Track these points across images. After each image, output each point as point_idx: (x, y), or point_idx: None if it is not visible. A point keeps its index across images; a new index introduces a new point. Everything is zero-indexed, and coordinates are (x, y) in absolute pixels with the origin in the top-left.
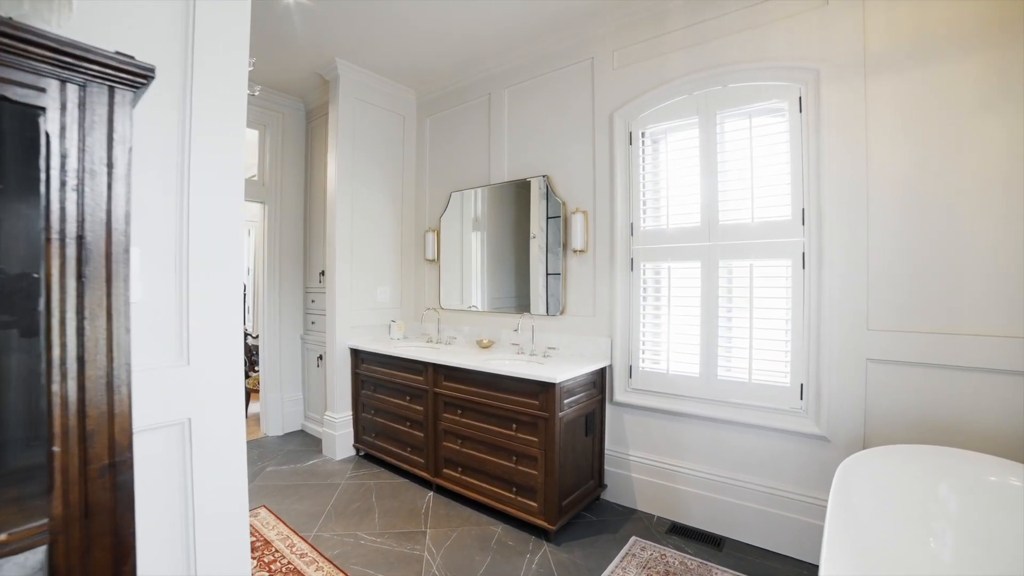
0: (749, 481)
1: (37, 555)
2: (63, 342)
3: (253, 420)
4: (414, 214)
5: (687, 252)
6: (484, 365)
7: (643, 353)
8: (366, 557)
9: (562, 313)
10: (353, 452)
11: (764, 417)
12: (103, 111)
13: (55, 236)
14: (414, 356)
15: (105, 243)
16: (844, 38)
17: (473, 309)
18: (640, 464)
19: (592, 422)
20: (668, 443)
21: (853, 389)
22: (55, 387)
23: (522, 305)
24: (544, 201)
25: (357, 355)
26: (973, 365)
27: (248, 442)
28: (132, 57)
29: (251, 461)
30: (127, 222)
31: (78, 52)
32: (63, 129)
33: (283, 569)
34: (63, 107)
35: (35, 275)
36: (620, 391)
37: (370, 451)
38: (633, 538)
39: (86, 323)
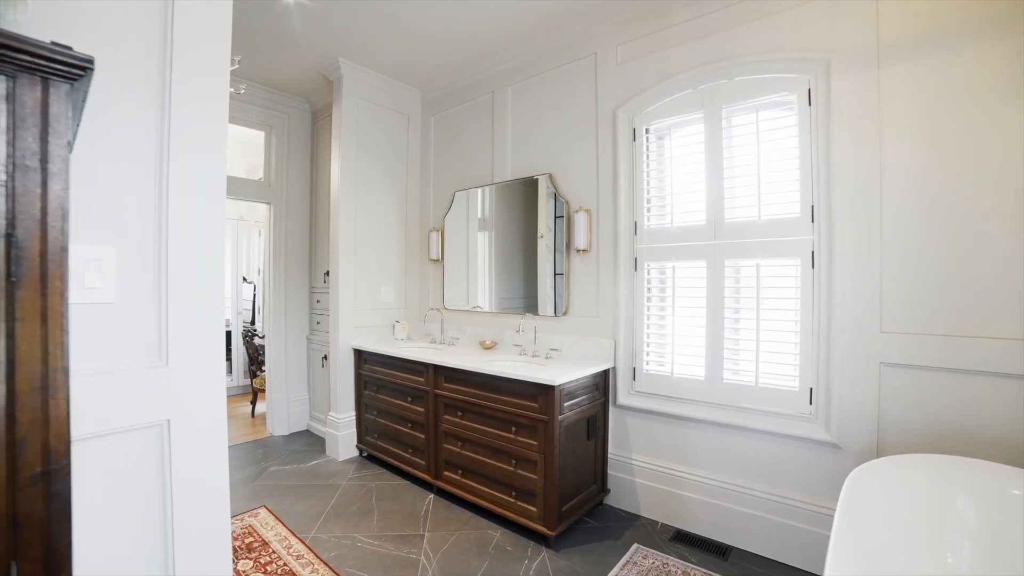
0: (756, 488)
1: None
2: None
3: (259, 419)
4: (418, 214)
5: (692, 251)
6: (484, 366)
7: (647, 355)
8: (362, 560)
9: (565, 314)
10: (356, 453)
11: (771, 422)
12: (35, 104)
13: None
14: (415, 357)
15: (39, 242)
16: (856, 27)
17: (477, 310)
18: (644, 469)
19: (594, 425)
20: (672, 448)
21: (866, 394)
22: None
23: (530, 306)
24: (552, 200)
25: (360, 355)
26: (995, 370)
27: (253, 442)
28: (69, 48)
29: (255, 460)
30: (64, 219)
31: (4, 41)
32: None
33: (278, 570)
34: None
35: None
36: (623, 394)
37: (373, 452)
38: (635, 545)
39: (16, 325)
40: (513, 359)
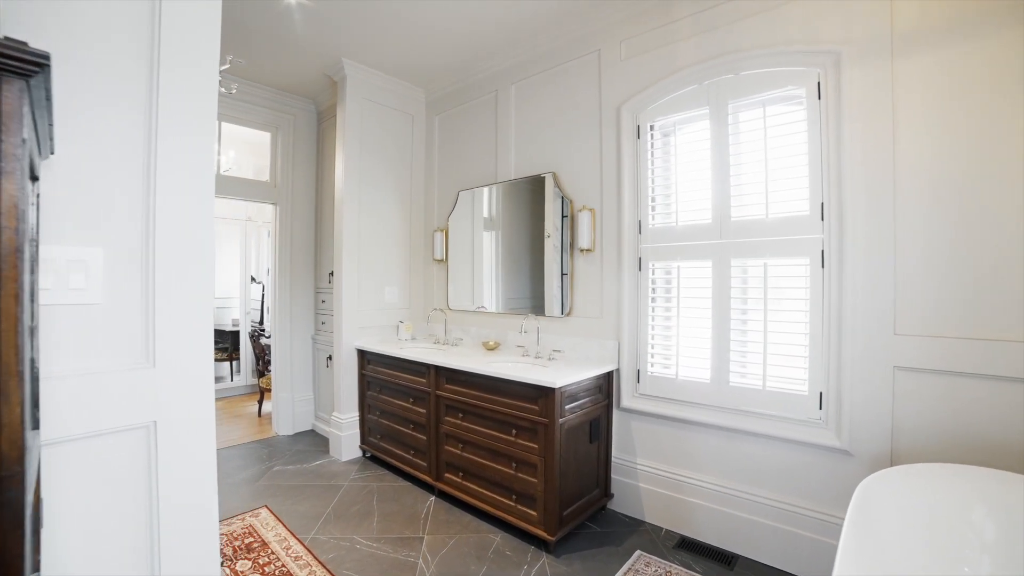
0: (763, 495)
1: None
2: None
3: (266, 419)
4: (423, 214)
5: (697, 251)
6: (484, 368)
7: (651, 357)
8: (360, 562)
9: (568, 314)
10: (359, 453)
11: (779, 427)
12: None
13: None
14: (416, 357)
15: None
16: (868, 17)
17: (482, 310)
18: (648, 474)
19: (597, 429)
20: (677, 452)
21: (879, 399)
22: None
23: (537, 306)
24: (559, 199)
25: (364, 356)
26: (1016, 375)
27: (258, 441)
28: (24, 43)
29: (259, 460)
30: (21, 219)
31: None
32: None
33: (276, 572)
34: None
35: None
36: (627, 396)
37: (375, 453)
38: (637, 552)
39: None
40: (515, 360)
